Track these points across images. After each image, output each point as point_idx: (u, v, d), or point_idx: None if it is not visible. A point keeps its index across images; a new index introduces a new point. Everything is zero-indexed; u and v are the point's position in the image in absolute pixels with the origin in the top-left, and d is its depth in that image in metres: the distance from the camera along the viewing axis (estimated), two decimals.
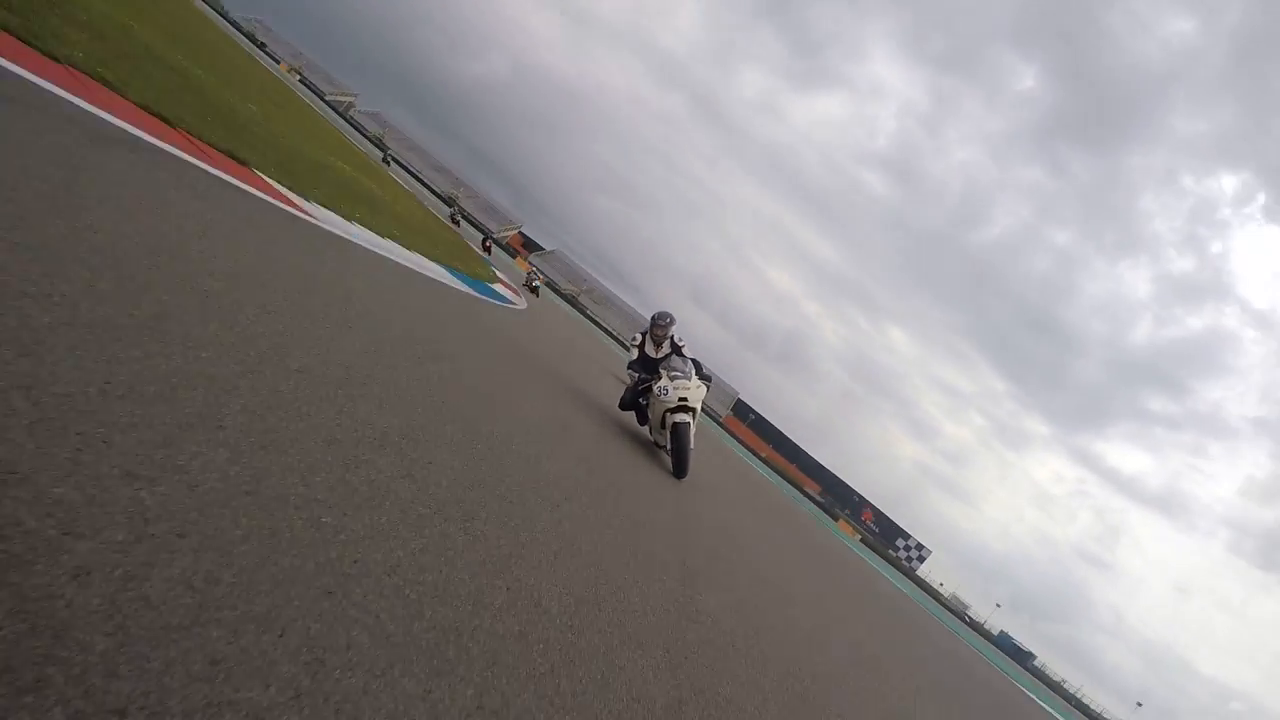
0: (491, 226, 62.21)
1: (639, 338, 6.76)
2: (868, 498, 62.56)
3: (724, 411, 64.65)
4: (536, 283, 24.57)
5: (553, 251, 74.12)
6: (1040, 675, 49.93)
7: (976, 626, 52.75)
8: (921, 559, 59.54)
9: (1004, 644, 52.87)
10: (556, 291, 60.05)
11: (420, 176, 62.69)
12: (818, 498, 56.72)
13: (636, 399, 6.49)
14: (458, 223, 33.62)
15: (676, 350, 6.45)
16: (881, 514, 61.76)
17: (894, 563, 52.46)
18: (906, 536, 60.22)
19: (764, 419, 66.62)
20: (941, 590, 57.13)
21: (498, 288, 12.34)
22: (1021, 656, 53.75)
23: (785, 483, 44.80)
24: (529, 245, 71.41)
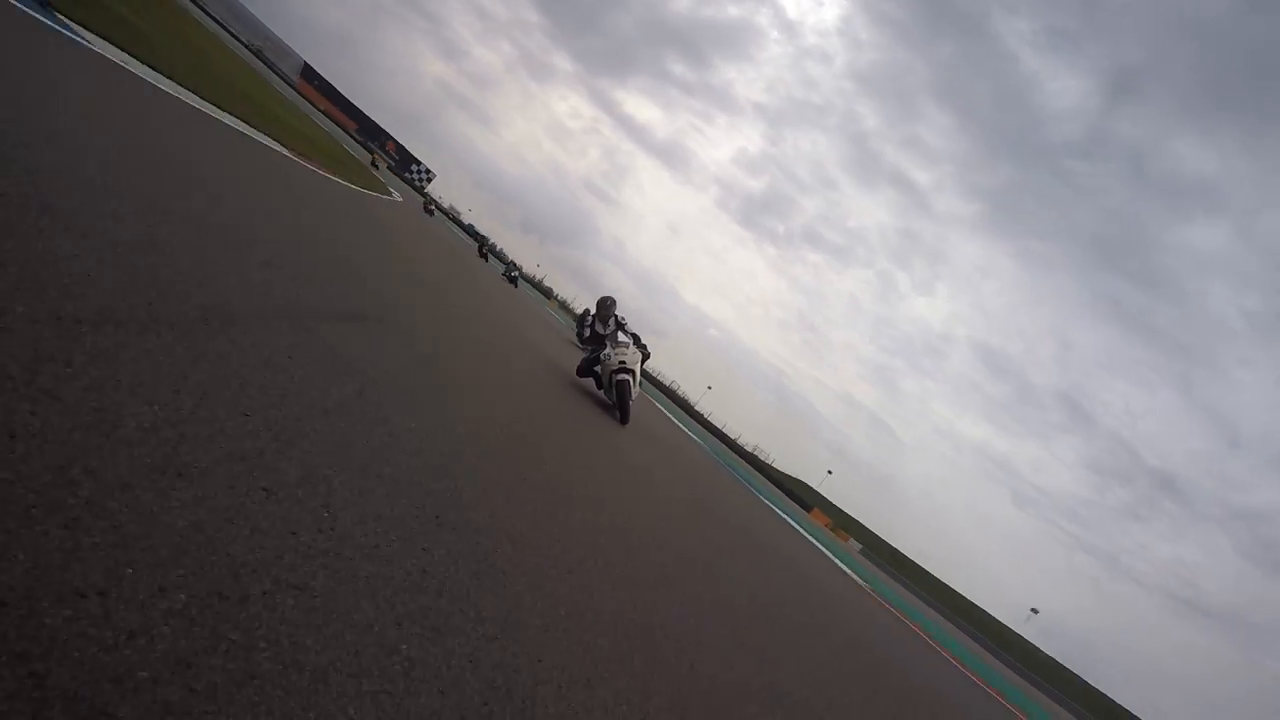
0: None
1: (590, 319, 8.18)
2: (390, 131, 70.93)
3: (295, 77, 64.20)
4: (515, 274, 24.65)
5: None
6: None
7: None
8: (429, 180, 72.06)
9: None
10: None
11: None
12: (355, 135, 59.26)
13: (591, 366, 7.93)
14: (486, 257, 31.88)
15: (620, 327, 7.87)
16: (401, 145, 70.75)
17: (409, 184, 58.38)
18: (419, 163, 72.20)
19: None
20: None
21: None
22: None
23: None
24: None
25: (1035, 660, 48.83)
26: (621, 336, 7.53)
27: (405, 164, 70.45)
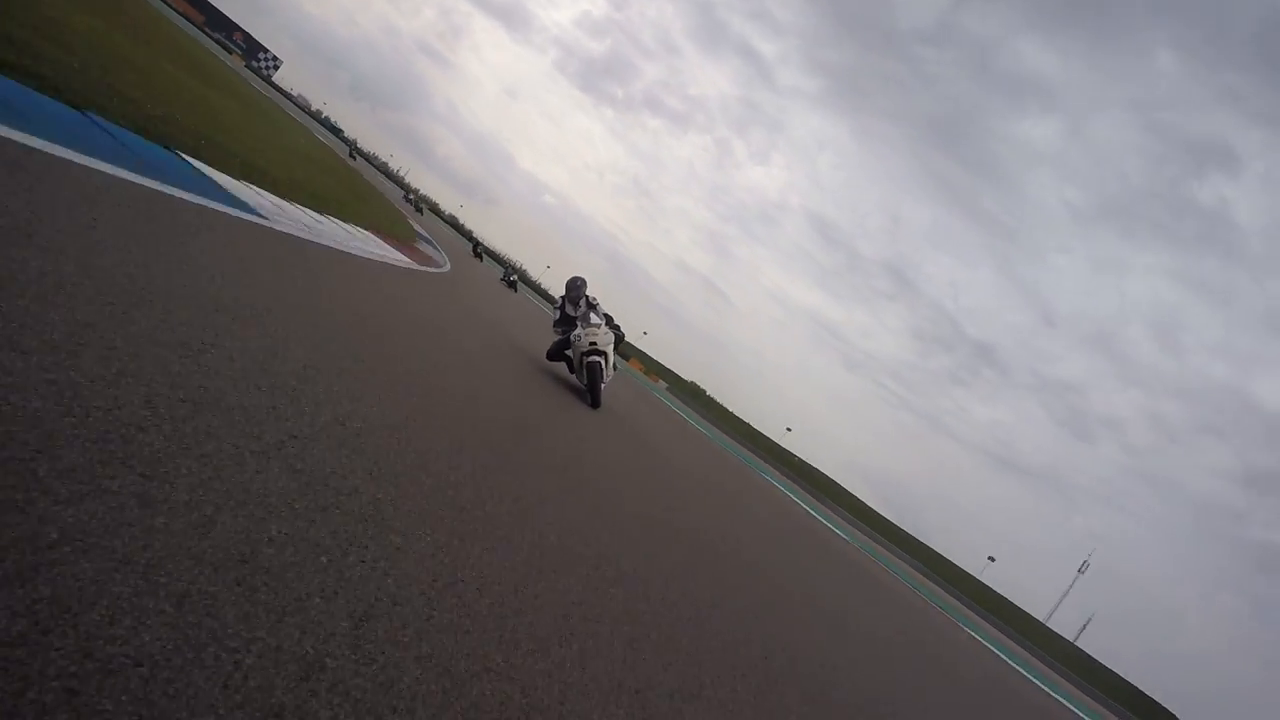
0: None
1: (560, 301, 8.08)
2: (239, 22, 70.04)
3: None
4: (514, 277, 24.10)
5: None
6: None
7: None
8: (276, 68, 70.60)
9: None
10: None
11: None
12: (205, 29, 58.12)
13: (562, 350, 7.85)
14: (481, 257, 33.36)
15: (591, 308, 7.78)
16: (248, 34, 70.63)
17: (257, 73, 58.53)
18: (266, 51, 70.44)
19: None
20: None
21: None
22: None
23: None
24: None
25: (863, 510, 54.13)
26: (594, 318, 7.44)
27: (253, 52, 67.71)
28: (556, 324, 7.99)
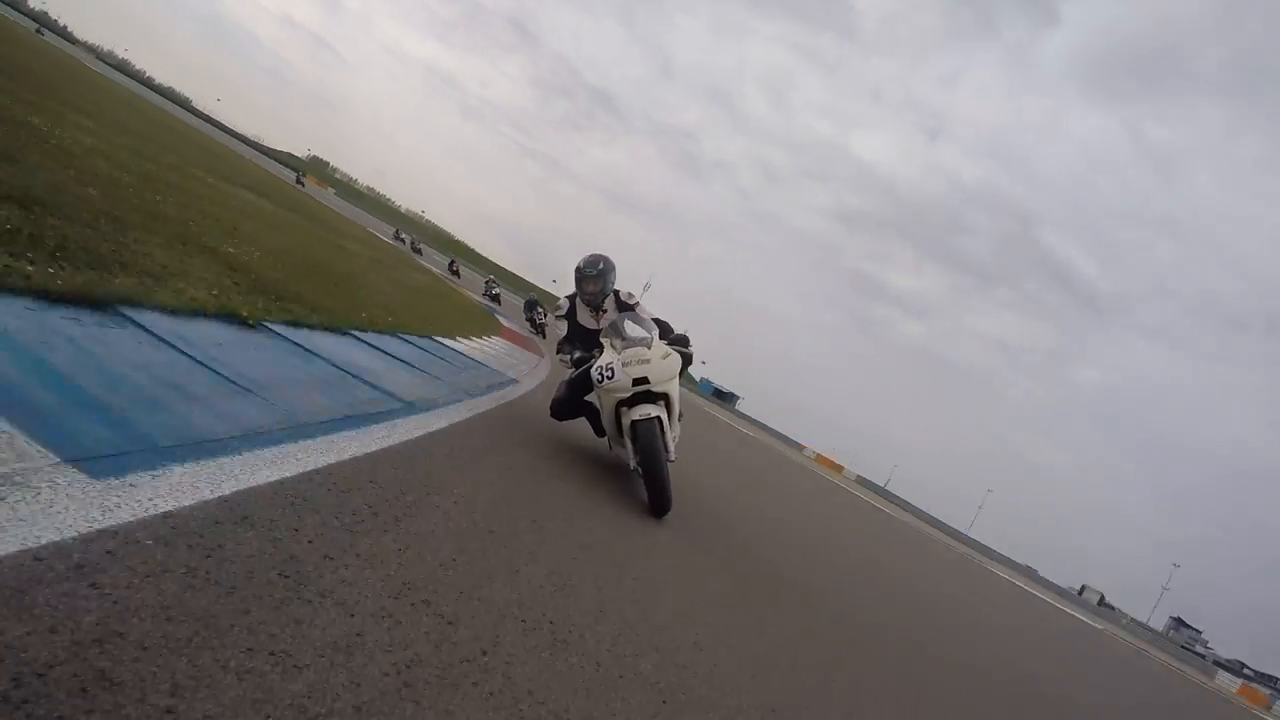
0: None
1: (564, 304, 4.37)
2: None
3: None
4: (496, 290, 22.24)
5: None
6: None
7: None
8: None
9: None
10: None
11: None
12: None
13: (578, 396, 4.19)
14: (457, 272, 29.95)
15: (624, 308, 4.15)
16: None
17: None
18: None
19: None
20: None
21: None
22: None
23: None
24: None
25: None
26: (631, 328, 3.74)
27: None
28: (564, 344, 4.32)
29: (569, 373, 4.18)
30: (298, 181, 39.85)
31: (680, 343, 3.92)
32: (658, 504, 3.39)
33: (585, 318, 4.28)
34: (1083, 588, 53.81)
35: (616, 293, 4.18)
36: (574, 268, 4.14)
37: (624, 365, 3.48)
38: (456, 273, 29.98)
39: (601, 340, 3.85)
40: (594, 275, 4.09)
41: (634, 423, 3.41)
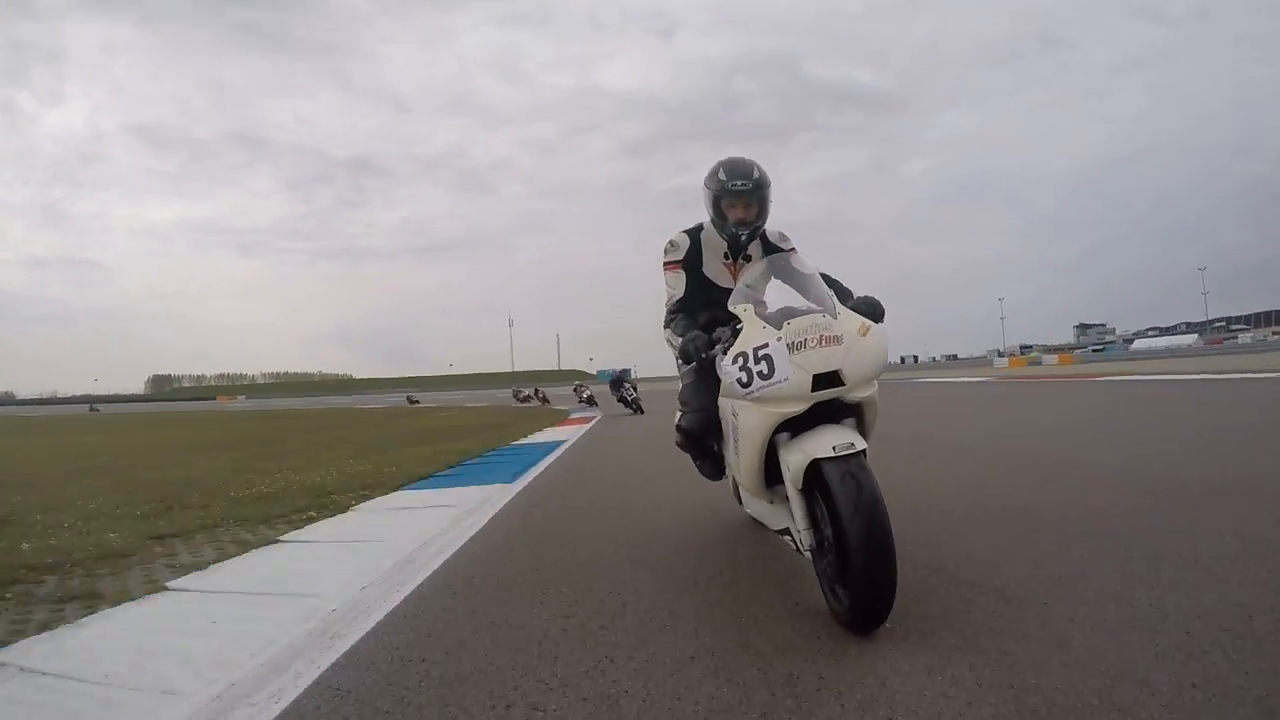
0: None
1: (681, 241, 2.57)
2: None
3: None
4: (587, 393, 20.23)
5: None
6: None
7: None
8: None
9: None
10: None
11: None
12: None
13: (705, 421, 2.50)
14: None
15: (771, 249, 2.52)
16: None
17: None
18: None
19: None
20: None
21: None
22: None
23: None
24: None
25: None
26: (783, 271, 2.28)
27: None
28: (672, 314, 2.54)
29: (693, 362, 2.39)
30: (91, 409, 42.97)
31: (872, 313, 2.22)
32: (868, 611, 1.76)
33: (716, 268, 2.61)
34: None
35: (764, 234, 2.53)
36: (704, 180, 2.43)
37: (791, 351, 1.89)
38: (416, 401, 35.93)
39: (733, 309, 2.23)
40: (745, 190, 2.34)
41: (816, 462, 1.82)
